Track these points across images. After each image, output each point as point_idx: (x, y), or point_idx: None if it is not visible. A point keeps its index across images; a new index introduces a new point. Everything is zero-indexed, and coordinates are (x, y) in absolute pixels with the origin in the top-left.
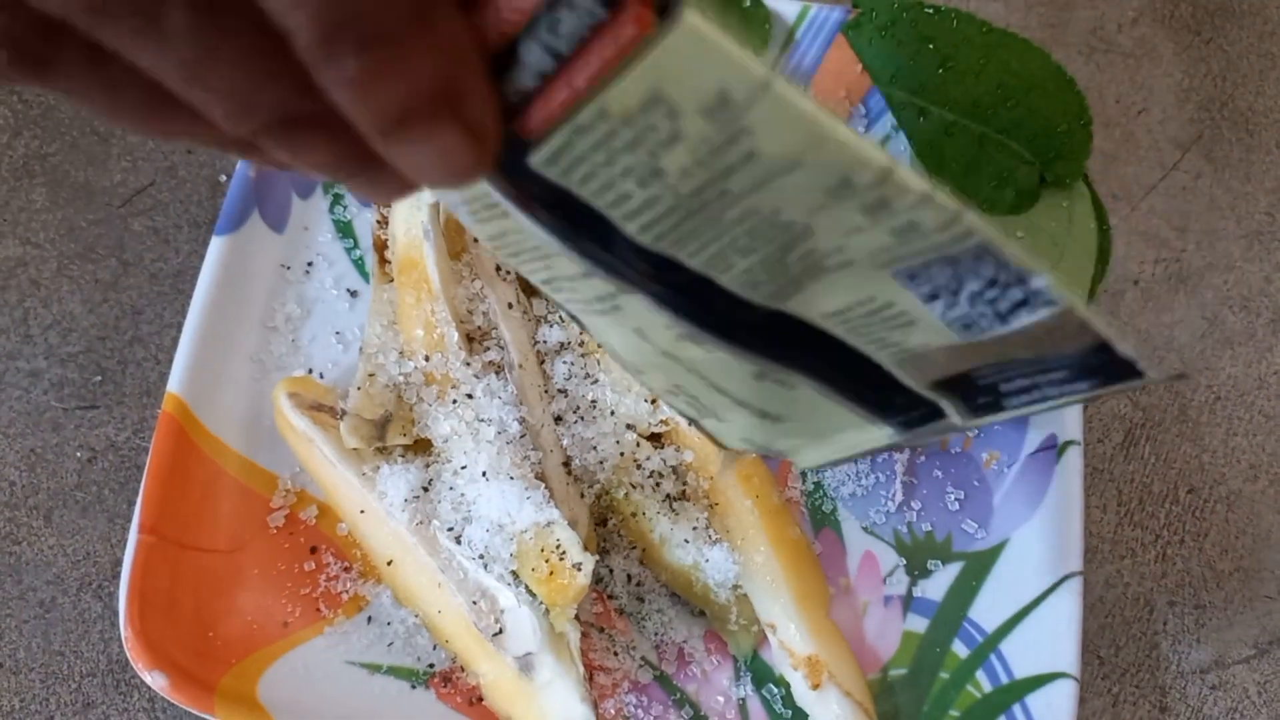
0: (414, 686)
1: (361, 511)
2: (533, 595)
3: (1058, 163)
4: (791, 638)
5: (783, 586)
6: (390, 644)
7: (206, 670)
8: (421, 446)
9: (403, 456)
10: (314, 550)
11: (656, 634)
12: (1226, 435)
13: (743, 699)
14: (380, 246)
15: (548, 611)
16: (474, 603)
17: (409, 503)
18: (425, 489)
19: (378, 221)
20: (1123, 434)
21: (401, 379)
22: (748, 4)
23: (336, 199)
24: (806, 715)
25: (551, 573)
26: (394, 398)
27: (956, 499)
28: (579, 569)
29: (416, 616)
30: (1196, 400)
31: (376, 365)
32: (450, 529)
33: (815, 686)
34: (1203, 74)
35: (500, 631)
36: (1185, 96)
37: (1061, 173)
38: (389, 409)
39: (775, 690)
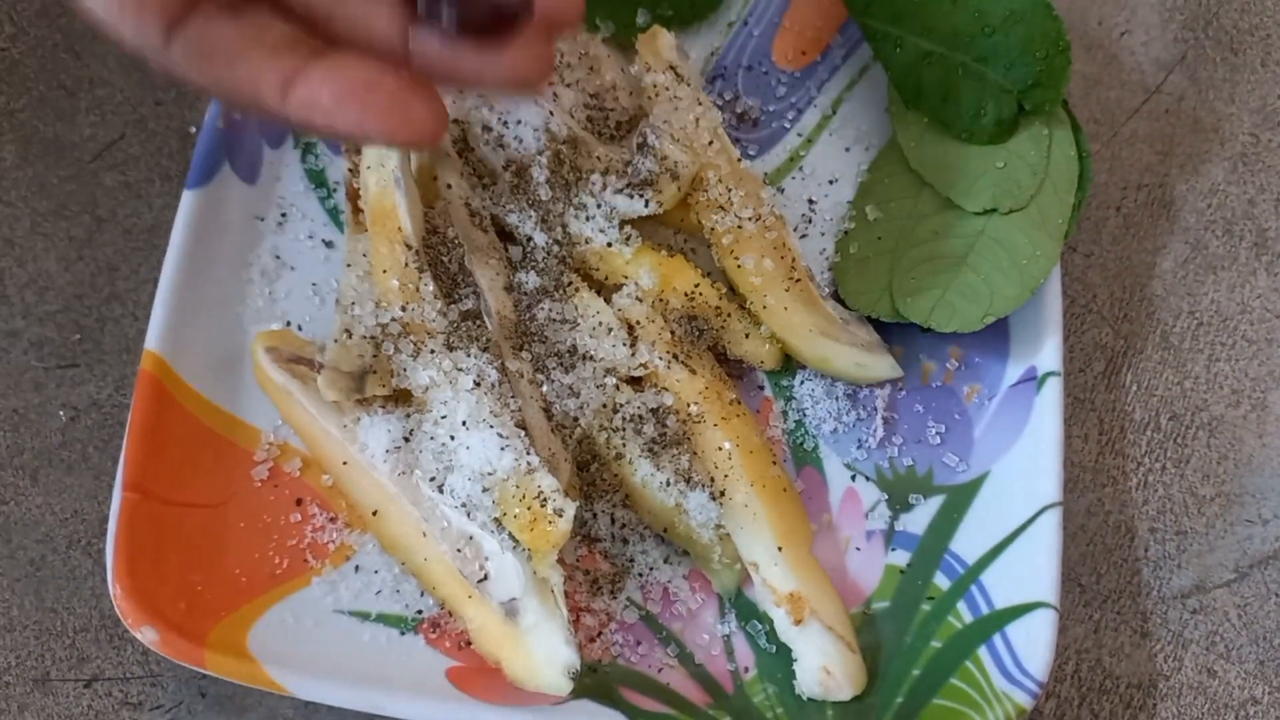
0: (403, 633)
1: (344, 463)
2: (516, 541)
3: (1036, 90)
4: (773, 576)
5: (764, 526)
6: (378, 592)
7: (195, 624)
8: (402, 397)
9: (383, 408)
10: (299, 502)
11: (641, 574)
12: (1209, 361)
13: (728, 635)
14: (354, 196)
15: (531, 557)
16: (458, 550)
17: (390, 454)
18: (406, 439)
19: (350, 170)
20: (1104, 363)
21: (379, 330)
22: None
23: (308, 148)
24: (790, 651)
25: (534, 519)
26: (371, 349)
27: (937, 433)
28: (560, 514)
29: (403, 565)
30: (1178, 327)
31: (353, 317)
32: (432, 479)
33: (798, 622)
34: None
35: (485, 578)
36: (1169, 16)
37: (1040, 100)
38: (367, 360)
39: (759, 626)
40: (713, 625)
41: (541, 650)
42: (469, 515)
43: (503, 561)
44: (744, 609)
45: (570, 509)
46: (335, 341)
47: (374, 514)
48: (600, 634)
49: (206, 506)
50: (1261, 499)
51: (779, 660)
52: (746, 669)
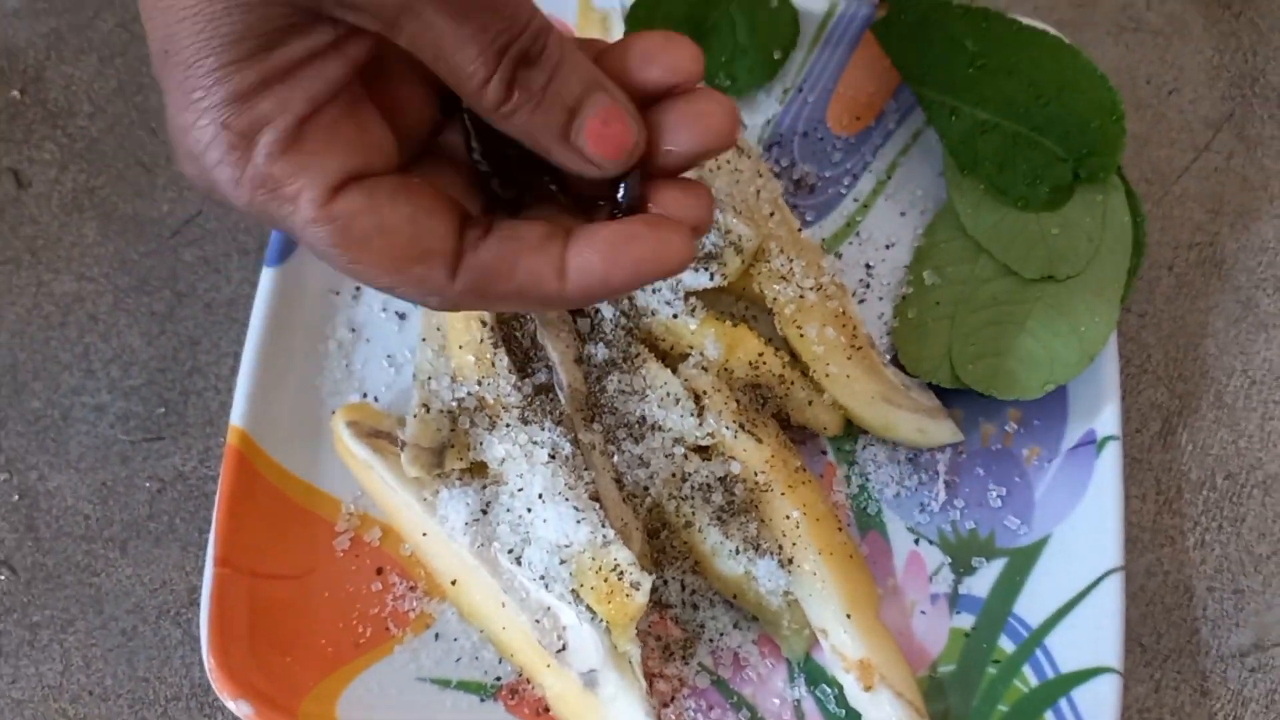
0: (483, 700)
1: (424, 535)
2: (593, 613)
3: (1091, 158)
4: (843, 642)
5: (832, 593)
6: (458, 659)
7: (287, 696)
8: (479, 469)
9: (460, 479)
10: (380, 571)
11: (712, 640)
12: (1262, 420)
13: (798, 700)
14: None
15: (609, 629)
16: (537, 621)
17: (469, 525)
18: (484, 511)
19: None
20: (1160, 423)
21: (455, 404)
22: (774, 4)
23: None
24: (860, 716)
25: (610, 591)
26: (449, 424)
27: (999, 495)
28: (637, 588)
29: (482, 632)
30: (1232, 386)
31: (430, 392)
32: (510, 550)
33: (868, 688)
34: (1233, 49)
35: (564, 648)
36: (1216, 74)
37: (1095, 168)
38: (445, 435)
39: (829, 690)
40: (783, 690)
41: (624, 717)
42: (547, 587)
43: (581, 632)
44: (813, 673)
45: (647, 582)
46: (414, 416)
47: (453, 583)
48: (673, 699)
49: (292, 578)
50: None
51: None
52: None
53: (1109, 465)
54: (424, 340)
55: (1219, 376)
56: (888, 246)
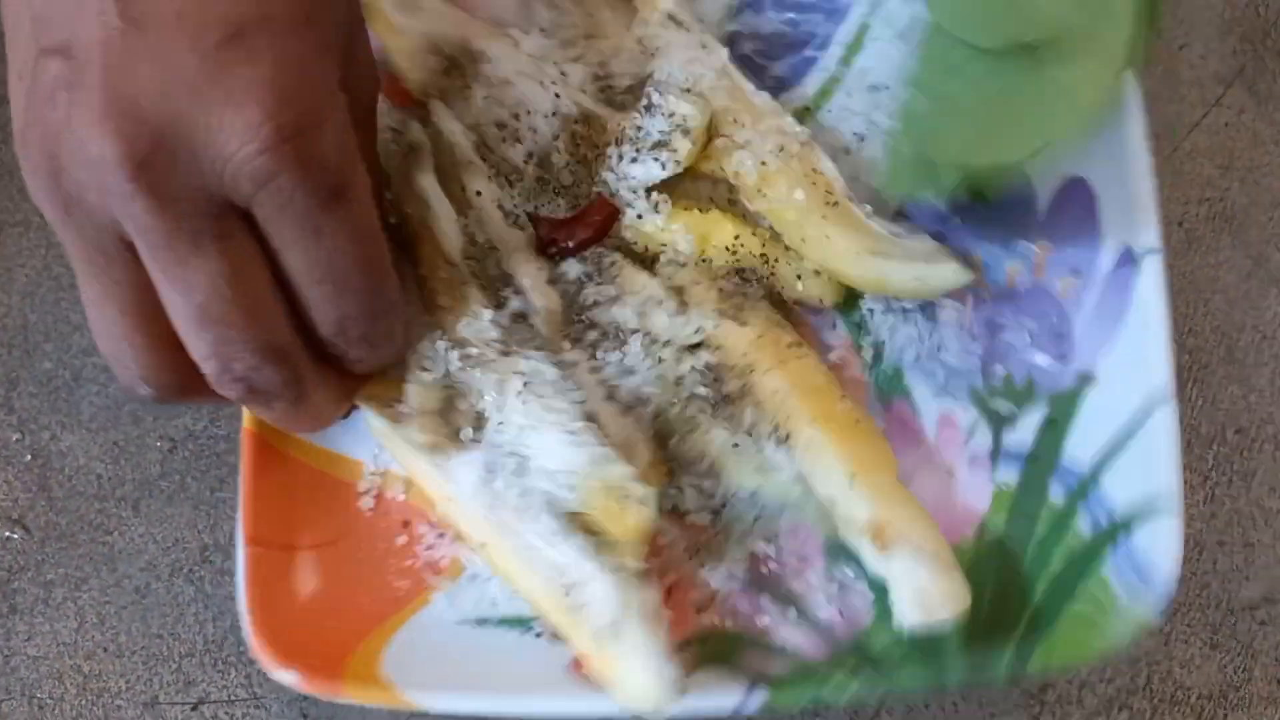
0: (524, 633)
1: (448, 499)
2: (607, 567)
3: None
4: (849, 506)
5: (831, 459)
6: (495, 600)
7: (331, 661)
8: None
9: (474, 440)
10: (406, 524)
11: (740, 539)
12: (1273, 375)
13: (836, 586)
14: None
15: (625, 574)
16: (552, 579)
17: (478, 489)
18: (490, 471)
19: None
20: None
21: (445, 359)
22: None
23: None
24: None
25: (619, 510)
26: (445, 379)
27: (1030, 335)
28: (644, 502)
29: (515, 591)
30: (1243, 341)
31: (420, 354)
32: (517, 507)
33: (884, 550)
34: (1244, 4)
35: (581, 605)
36: (1227, 29)
37: None
38: (447, 393)
39: (865, 570)
40: (821, 577)
41: (641, 668)
42: (559, 543)
43: (597, 586)
44: (850, 556)
45: (651, 495)
46: (410, 384)
47: (483, 546)
48: (710, 603)
49: (323, 545)
50: None
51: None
52: (862, 616)
53: (1151, 282)
54: (409, 304)
55: (1229, 332)
56: (873, 88)
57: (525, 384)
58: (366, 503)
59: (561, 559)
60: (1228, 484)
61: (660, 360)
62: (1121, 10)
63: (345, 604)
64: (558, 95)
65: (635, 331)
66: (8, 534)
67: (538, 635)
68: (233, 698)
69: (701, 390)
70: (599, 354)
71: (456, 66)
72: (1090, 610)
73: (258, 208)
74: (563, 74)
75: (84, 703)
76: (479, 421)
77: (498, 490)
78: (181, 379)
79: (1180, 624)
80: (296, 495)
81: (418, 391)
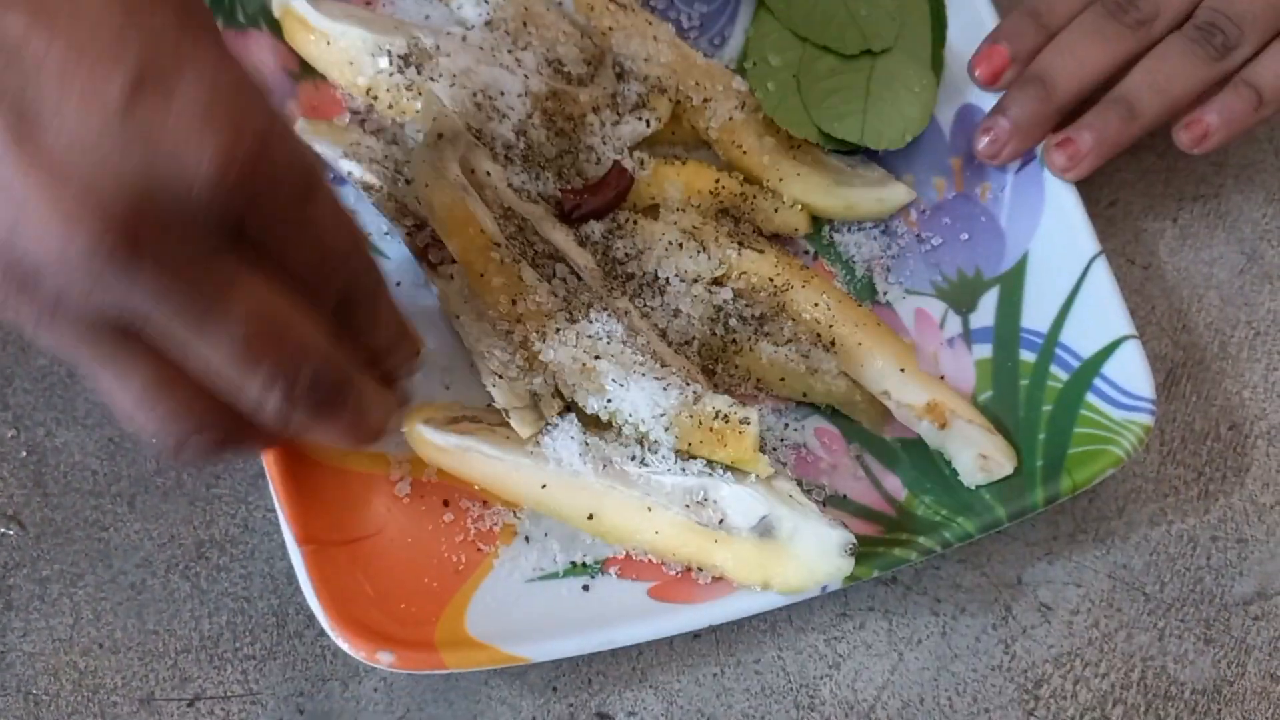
0: (594, 576)
1: (544, 487)
2: (734, 471)
3: None
4: (907, 394)
5: (879, 356)
6: (555, 555)
7: (419, 635)
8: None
9: (561, 416)
10: (446, 503)
11: (775, 448)
12: (1266, 371)
13: (867, 470)
14: (421, 252)
15: (754, 475)
16: (687, 507)
17: (584, 455)
18: (585, 434)
19: (407, 234)
20: (1164, 374)
21: (514, 351)
22: None
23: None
24: (931, 459)
25: (724, 437)
26: (525, 372)
27: (969, 234)
28: (746, 421)
29: (632, 548)
30: (1236, 337)
31: (492, 354)
32: (632, 457)
33: (942, 426)
34: None
35: (724, 518)
36: None
37: None
38: (531, 384)
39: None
40: (853, 468)
41: (812, 546)
42: (683, 471)
43: (732, 493)
44: (874, 445)
45: (754, 413)
46: (494, 387)
47: (590, 518)
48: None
49: (372, 536)
50: None
51: (922, 473)
52: (898, 492)
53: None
54: (456, 317)
55: (1223, 328)
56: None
57: (608, 340)
58: (402, 489)
59: (690, 482)
60: (1221, 480)
61: (696, 297)
62: (923, 23)
63: (412, 585)
64: (527, 76)
65: (675, 277)
66: (3, 530)
67: (604, 575)
68: (228, 693)
69: (742, 313)
70: (642, 301)
71: (409, 65)
72: (1094, 431)
73: (251, 218)
74: (518, 61)
75: (79, 699)
76: (560, 395)
77: (602, 450)
78: (228, 422)
79: (1174, 619)
80: (330, 494)
81: (506, 391)
